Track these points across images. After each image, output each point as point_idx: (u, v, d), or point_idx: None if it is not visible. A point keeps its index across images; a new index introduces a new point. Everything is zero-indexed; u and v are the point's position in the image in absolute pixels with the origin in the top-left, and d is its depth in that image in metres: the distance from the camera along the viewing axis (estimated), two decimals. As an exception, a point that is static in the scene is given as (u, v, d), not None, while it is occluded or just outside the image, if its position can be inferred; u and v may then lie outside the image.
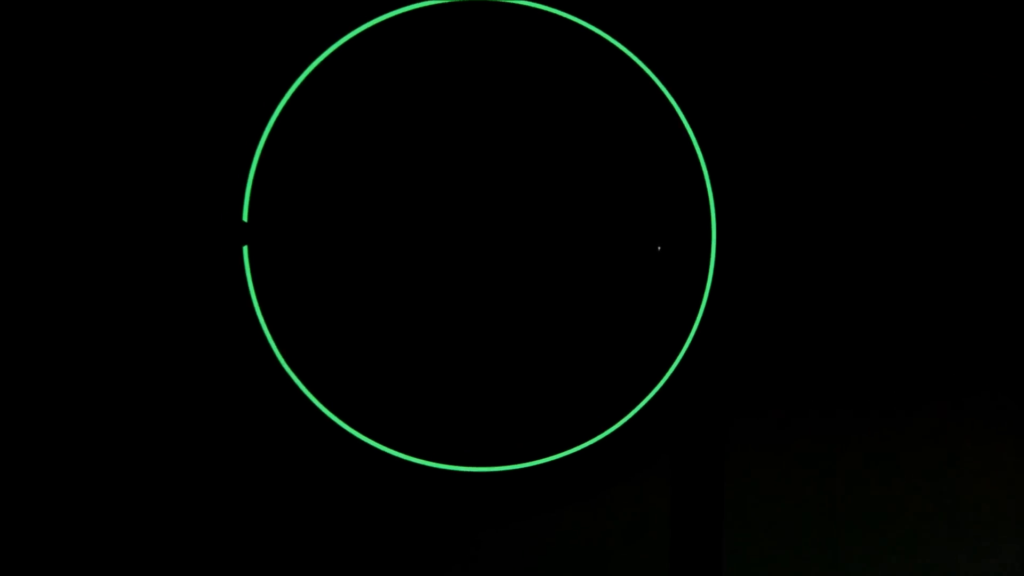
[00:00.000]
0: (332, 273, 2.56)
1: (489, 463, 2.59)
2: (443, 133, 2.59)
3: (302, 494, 2.59)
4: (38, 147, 2.52)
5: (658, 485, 2.66)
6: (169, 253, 2.54)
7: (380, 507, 2.61)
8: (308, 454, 2.58)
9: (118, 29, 2.54)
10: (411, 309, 2.58)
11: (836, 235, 2.69)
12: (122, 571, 2.53)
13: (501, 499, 2.62)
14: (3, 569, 2.50)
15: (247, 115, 2.53)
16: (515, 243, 2.60)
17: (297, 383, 2.54)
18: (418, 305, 2.58)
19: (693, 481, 2.66)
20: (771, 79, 2.68)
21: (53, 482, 2.52)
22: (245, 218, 2.53)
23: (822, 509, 2.69)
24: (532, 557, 2.64)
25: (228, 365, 2.54)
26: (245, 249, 2.53)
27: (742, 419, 2.67)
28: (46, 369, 2.51)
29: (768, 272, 2.67)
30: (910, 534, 2.70)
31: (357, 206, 2.57)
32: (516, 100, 2.60)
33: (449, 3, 2.58)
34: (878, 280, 2.70)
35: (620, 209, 2.62)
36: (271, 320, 2.54)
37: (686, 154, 2.62)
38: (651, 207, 2.62)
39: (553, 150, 2.61)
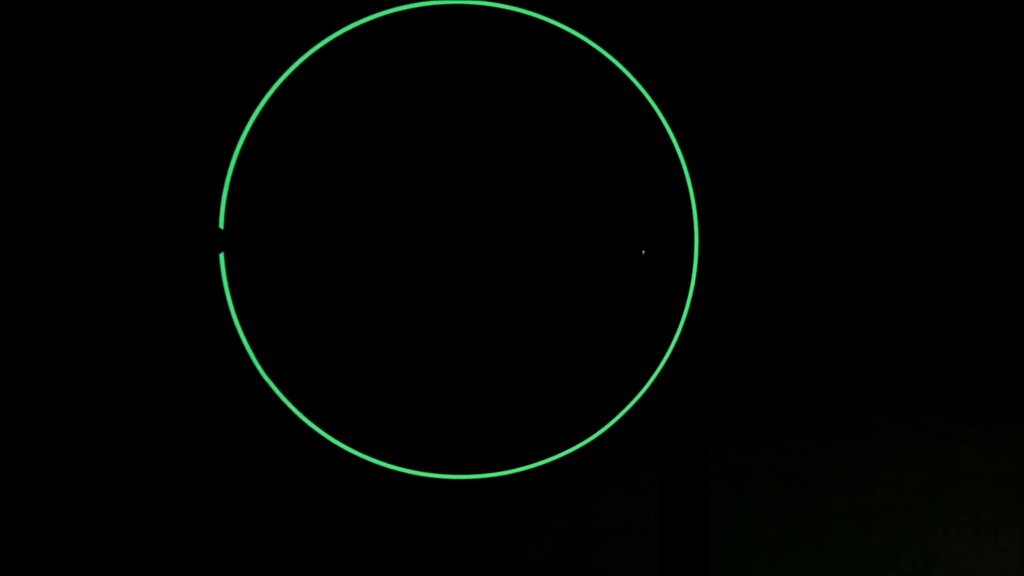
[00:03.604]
0: (311, 281, 2.53)
1: (473, 470, 2.57)
2: (424, 138, 2.56)
3: (281, 504, 2.56)
4: (8, 155, 2.47)
5: (644, 489, 2.65)
6: (144, 261, 2.50)
7: (358, 516, 2.59)
8: (288, 464, 2.55)
9: (94, 33, 2.50)
10: (393, 317, 2.56)
11: (819, 234, 2.69)
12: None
13: (486, 506, 2.61)
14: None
15: (223, 121, 2.49)
16: (498, 249, 2.58)
17: (277, 393, 2.51)
18: (400, 312, 2.56)
19: (679, 484, 2.66)
20: (752, 83, 2.67)
21: (26, 486, 2.49)
22: (221, 225, 2.50)
23: (809, 510, 2.69)
24: (518, 564, 2.63)
25: (206, 376, 2.51)
26: (222, 256, 2.50)
27: (728, 420, 2.67)
28: (19, 377, 2.48)
29: (752, 274, 2.67)
30: (902, 537, 2.69)
31: (337, 213, 2.54)
32: (498, 105, 2.58)
33: (429, 7, 2.54)
34: (862, 278, 2.70)
35: (604, 214, 2.60)
36: (249, 329, 2.50)
37: (669, 159, 2.61)
38: (634, 211, 2.61)
39: (536, 155, 2.59)
